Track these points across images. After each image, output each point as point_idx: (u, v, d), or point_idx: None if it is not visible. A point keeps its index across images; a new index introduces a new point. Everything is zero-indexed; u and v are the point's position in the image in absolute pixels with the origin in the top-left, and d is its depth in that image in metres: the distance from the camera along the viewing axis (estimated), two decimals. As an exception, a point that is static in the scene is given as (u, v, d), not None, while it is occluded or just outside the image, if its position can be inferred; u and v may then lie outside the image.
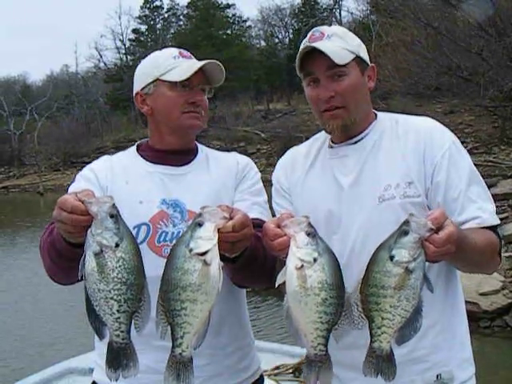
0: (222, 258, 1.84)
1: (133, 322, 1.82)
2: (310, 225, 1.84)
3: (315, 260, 1.80)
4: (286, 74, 47.08)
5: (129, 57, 58.22)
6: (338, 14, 51.66)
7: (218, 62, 2.39)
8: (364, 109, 2.32)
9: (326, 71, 2.22)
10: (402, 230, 1.77)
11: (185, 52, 2.45)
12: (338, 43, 2.22)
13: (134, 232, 2.20)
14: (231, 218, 1.84)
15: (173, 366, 1.82)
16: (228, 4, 58.41)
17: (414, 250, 1.75)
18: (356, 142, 2.31)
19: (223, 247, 1.83)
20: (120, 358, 1.84)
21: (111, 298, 1.78)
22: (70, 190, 2.30)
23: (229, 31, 57.97)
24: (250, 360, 2.48)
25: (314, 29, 2.32)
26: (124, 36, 60.92)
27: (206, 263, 1.77)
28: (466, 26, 21.59)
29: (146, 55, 2.54)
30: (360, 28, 35.01)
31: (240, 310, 2.46)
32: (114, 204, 1.79)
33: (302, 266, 1.79)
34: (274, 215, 2.35)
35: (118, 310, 1.79)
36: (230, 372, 2.36)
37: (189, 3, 58.75)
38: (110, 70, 59.08)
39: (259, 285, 2.42)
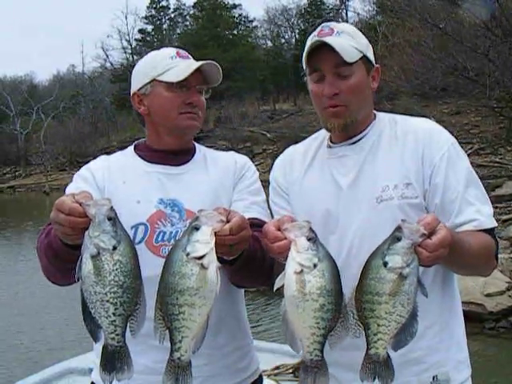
0: (220, 260, 1.84)
1: (128, 325, 1.82)
2: (311, 230, 1.82)
3: (315, 265, 1.79)
4: (292, 75, 47.02)
5: (135, 57, 58.14)
6: (344, 15, 51.60)
7: (214, 63, 2.37)
8: (365, 109, 2.30)
9: (333, 68, 2.19)
10: (395, 236, 1.76)
11: (182, 52, 2.43)
12: (348, 40, 2.19)
13: (131, 232, 2.20)
14: (228, 221, 1.83)
15: (171, 371, 1.82)
16: (234, 4, 58.56)
17: (408, 255, 1.74)
18: (355, 142, 2.30)
19: (221, 250, 1.82)
20: (114, 360, 1.83)
21: (107, 301, 1.77)
22: (68, 190, 2.31)
23: (235, 31, 58.04)
24: (249, 360, 2.46)
25: (324, 24, 2.27)
26: (130, 36, 61.26)
27: (203, 267, 1.76)
28: (472, 27, 21.54)
29: (152, 55, 2.54)
30: (366, 28, 34.96)
31: (238, 309, 2.46)
32: (111, 207, 1.79)
33: (302, 270, 1.78)
34: (271, 214, 2.35)
35: (113, 313, 1.78)
36: (228, 372, 2.35)
37: (195, 3, 58.90)
38: (116, 70, 59.17)
39: (258, 284, 2.41)
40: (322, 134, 2.42)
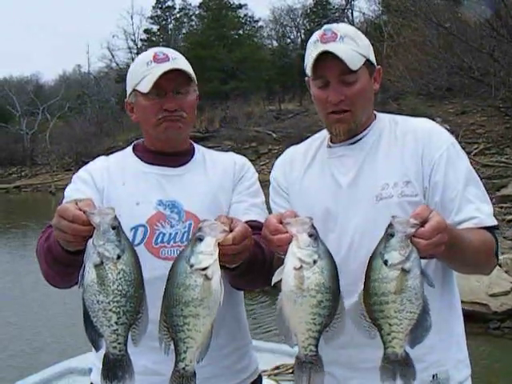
0: (222, 267, 1.83)
1: (130, 334, 1.81)
2: (313, 226, 1.83)
3: (315, 262, 1.79)
4: (297, 75, 46.85)
5: (141, 57, 58.24)
6: (349, 14, 51.55)
7: (180, 66, 2.30)
8: (367, 111, 2.32)
9: (338, 76, 2.20)
10: (388, 233, 1.77)
11: (160, 54, 2.34)
12: (351, 46, 2.20)
13: (131, 234, 2.20)
14: (231, 230, 1.83)
15: (176, 381, 1.81)
16: (240, 4, 58.57)
17: (404, 248, 1.75)
18: (355, 142, 2.31)
19: (224, 260, 1.82)
20: (116, 369, 1.81)
21: (110, 310, 1.76)
22: (67, 191, 2.32)
23: (241, 31, 58.01)
24: (248, 360, 2.47)
25: (325, 27, 2.27)
26: (136, 36, 61.39)
27: (207, 278, 1.76)
28: (477, 27, 21.50)
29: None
30: (372, 28, 34.90)
31: (238, 310, 2.46)
32: (115, 216, 1.78)
33: (301, 266, 1.79)
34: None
35: (116, 322, 1.77)
36: (228, 373, 2.35)
37: (201, 3, 58.93)
38: (121, 70, 59.03)
39: (257, 287, 2.41)
40: (323, 134, 2.43)
